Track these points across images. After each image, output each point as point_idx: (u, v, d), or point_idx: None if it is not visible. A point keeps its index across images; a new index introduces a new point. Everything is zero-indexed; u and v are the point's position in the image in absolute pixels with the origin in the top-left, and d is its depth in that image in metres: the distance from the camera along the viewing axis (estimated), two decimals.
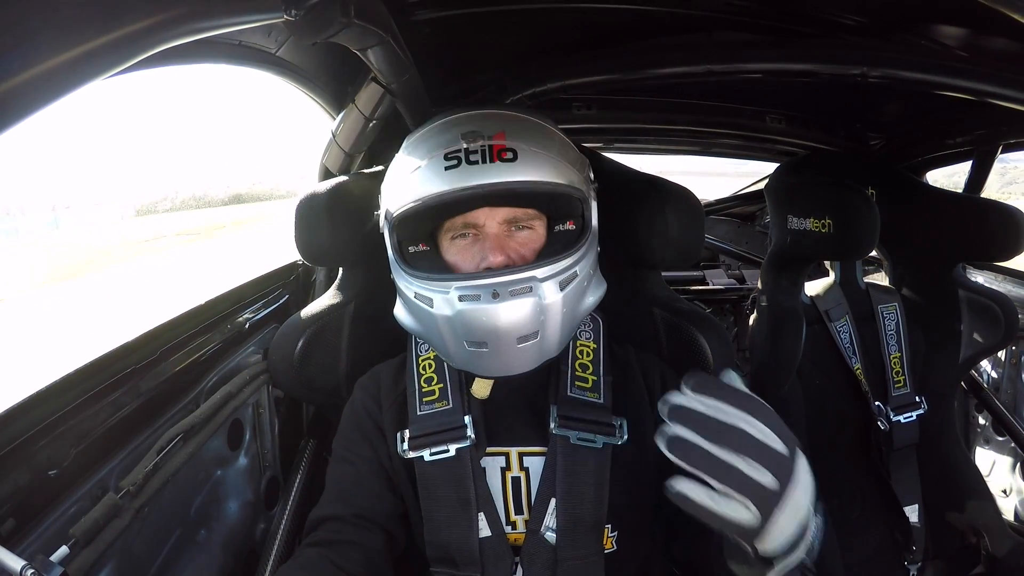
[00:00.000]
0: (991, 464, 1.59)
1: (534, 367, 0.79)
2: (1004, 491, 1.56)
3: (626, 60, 1.11)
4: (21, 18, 0.38)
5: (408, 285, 0.78)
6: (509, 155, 0.73)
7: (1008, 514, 1.51)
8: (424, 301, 0.76)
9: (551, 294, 0.74)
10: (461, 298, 0.72)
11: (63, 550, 0.60)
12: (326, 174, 1.24)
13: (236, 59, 0.88)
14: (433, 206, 0.75)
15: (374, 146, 1.25)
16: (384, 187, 0.83)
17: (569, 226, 0.81)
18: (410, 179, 0.76)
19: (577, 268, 0.77)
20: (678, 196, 1.01)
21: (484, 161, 0.72)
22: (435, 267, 0.79)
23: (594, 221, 0.81)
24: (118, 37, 0.44)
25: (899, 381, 1.43)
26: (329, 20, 0.62)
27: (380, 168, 1.20)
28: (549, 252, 0.79)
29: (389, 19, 0.78)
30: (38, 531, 0.62)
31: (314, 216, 0.98)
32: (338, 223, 0.98)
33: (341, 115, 1.15)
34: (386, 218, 0.80)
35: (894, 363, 1.43)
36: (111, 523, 0.68)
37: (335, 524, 0.79)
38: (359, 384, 0.90)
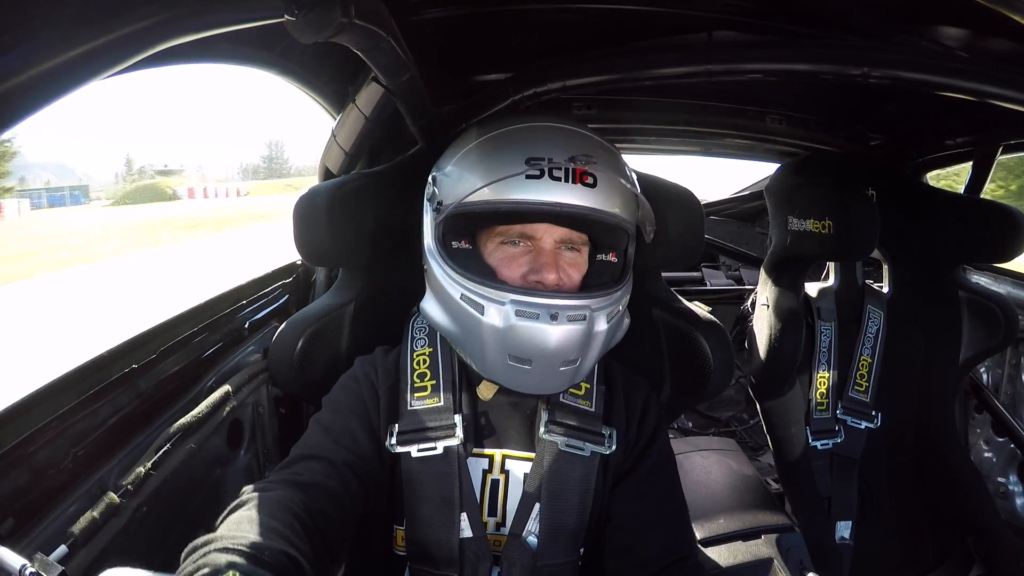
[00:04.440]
0: (990, 465, 1.58)
1: (562, 391, 0.80)
2: (1003, 492, 1.56)
3: (626, 60, 1.11)
4: (23, 18, 0.38)
5: (454, 285, 0.76)
6: (590, 180, 0.73)
7: (1007, 515, 1.51)
8: (472, 306, 0.74)
9: (600, 324, 0.75)
10: (518, 313, 0.71)
11: (62, 549, 0.60)
12: (326, 174, 1.24)
13: (236, 59, 0.88)
14: (504, 212, 0.74)
15: (374, 146, 1.25)
16: (442, 174, 0.80)
17: (611, 258, 0.82)
18: (484, 176, 0.73)
19: (620, 303, 0.79)
20: (678, 197, 1.01)
21: (567, 180, 0.72)
22: (479, 268, 0.77)
23: (632, 258, 0.82)
24: (119, 37, 0.44)
25: (860, 385, 1.45)
26: (329, 20, 0.62)
27: (380, 168, 1.20)
28: (593, 281, 0.80)
29: (390, 19, 0.78)
30: (38, 530, 0.62)
31: (314, 216, 0.98)
32: (338, 223, 0.98)
33: (341, 115, 1.15)
34: (442, 207, 0.77)
35: (861, 365, 1.45)
36: (110, 522, 0.68)
37: (322, 465, 0.72)
38: (360, 359, 0.88)
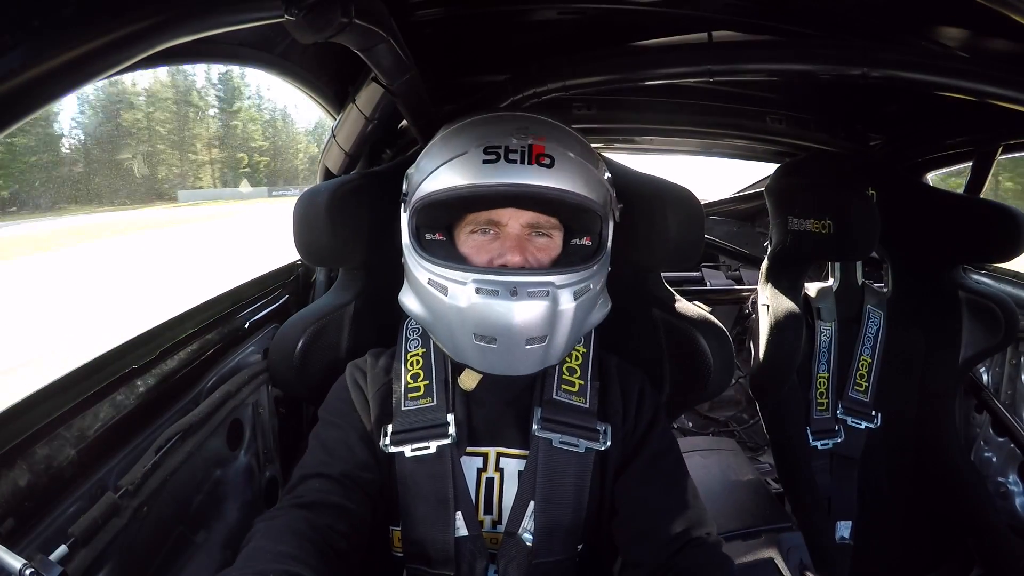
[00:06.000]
0: (990, 465, 1.58)
1: (534, 372, 0.80)
2: (1003, 492, 1.56)
3: (626, 60, 1.11)
4: (23, 18, 0.38)
5: (422, 271, 0.78)
6: (547, 160, 0.73)
7: (1007, 515, 1.51)
8: (438, 288, 0.76)
9: (566, 301, 0.75)
10: (478, 291, 0.72)
11: (62, 549, 0.60)
12: (326, 174, 1.24)
13: (236, 59, 0.88)
14: (463, 197, 0.75)
15: (374, 146, 1.25)
16: (413, 170, 0.82)
17: (585, 241, 0.82)
18: (444, 166, 0.75)
19: (591, 282, 0.78)
20: (678, 197, 1.00)
21: (522, 161, 0.73)
22: (450, 256, 0.78)
23: (610, 241, 0.82)
24: (119, 37, 0.44)
25: (860, 385, 1.45)
26: (329, 20, 0.62)
27: (380, 168, 1.20)
28: (564, 263, 0.80)
29: (389, 19, 0.78)
30: (37, 530, 0.62)
31: (314, 216, 0.98)
32: (338, 223, 0.98)
33: (341, 115, 1.15)
34: (409, 200, 0.80)
35: (861, 365, 1.45)
36: (110, 522, 0.68)
37: (322, 482, 0.76)
38: (352, 364, 0.90)
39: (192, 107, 40.17)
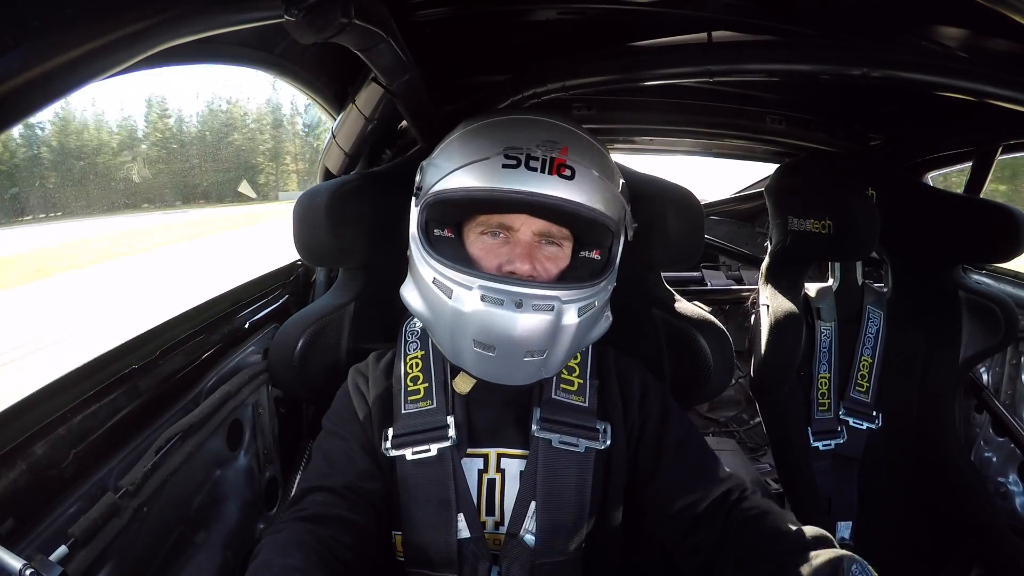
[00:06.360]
0: (990, 465, 1.58)
1: (529, 383, 0.80)
2: (1003, 492, 1.56)
3: (626, 60, 1.11)
4: (22, 18, 0.38)
5: (428, 268, 0.77)
6: (567, 172, 0.73)
7: (1007, 515, 1.51)
8: (442, 289, 0.75)
9: (570, 317, 0.74)
10: (484, 298, 0.72)
11: (62, 550, 0.60)
12: (326, 174, 1.24)
13: (236, 59, 0.88)
14: (478, 199, 0.74)
15: (374, 146, 1.25)
16: (429, 163, 0.81)
17: (595, 255, 0.81)
18: (463, 168, 0.74)
19: (596, 299, 0.78)
20: (678, 197, 1.00)
21: (543, 171, 0.72)
22: (457, 256, 0.77)
23: (619, 257, 0.81)
24: (118, 37, 0.44)
25: (861, 386, 1.45)
26: (329, 20, 0.62)
27: (380, 168, 1.20)
28: (571, 275, 0.79)
29: (389, 19, 0.78)
30: (37, 531, 0.62)
31: (314, 216, 0.98)
32: (338, 223, 0.98)
33: (341, 115, 1.15)
34: (422, 194, 0.79)
35: (862, 366, 1.45)
36: (110, 523, 0.68)
37: (325, 495, 0.76)
38: (354, 368, 0.90)
39: (283, 129, 51.74)
